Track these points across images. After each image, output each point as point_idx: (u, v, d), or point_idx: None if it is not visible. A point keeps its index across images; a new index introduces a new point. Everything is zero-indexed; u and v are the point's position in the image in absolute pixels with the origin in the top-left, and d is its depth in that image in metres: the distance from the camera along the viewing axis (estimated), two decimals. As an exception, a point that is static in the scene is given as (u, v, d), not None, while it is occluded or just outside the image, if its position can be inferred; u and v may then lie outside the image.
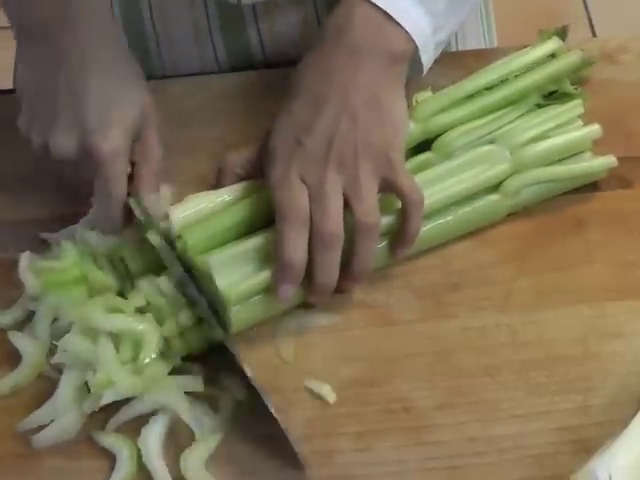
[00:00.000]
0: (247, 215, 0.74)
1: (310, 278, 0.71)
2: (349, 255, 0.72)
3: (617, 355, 0.72)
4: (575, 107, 0.82)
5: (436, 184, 0.76)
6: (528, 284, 0.77)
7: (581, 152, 0.81)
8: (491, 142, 0.79)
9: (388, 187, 0.73)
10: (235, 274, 0.71)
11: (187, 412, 0.69)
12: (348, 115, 0.73)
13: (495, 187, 0.78)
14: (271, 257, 0.71)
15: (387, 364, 0.73)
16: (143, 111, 0.76)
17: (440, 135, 0.79)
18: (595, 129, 0.81)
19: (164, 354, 0.71)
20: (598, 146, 0.84)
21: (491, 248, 0.79)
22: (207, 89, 0.90)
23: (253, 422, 0.70)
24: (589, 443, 0.67)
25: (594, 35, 2.10)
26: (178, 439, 0.69)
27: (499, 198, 0.78)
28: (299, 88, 0.75)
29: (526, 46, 0.86)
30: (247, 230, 0.74)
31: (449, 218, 0.77)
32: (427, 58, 0.78)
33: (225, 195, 0.76)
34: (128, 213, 0.75)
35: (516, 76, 0.83)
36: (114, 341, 0.70)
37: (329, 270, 0.71)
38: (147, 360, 0.70)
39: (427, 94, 0.83)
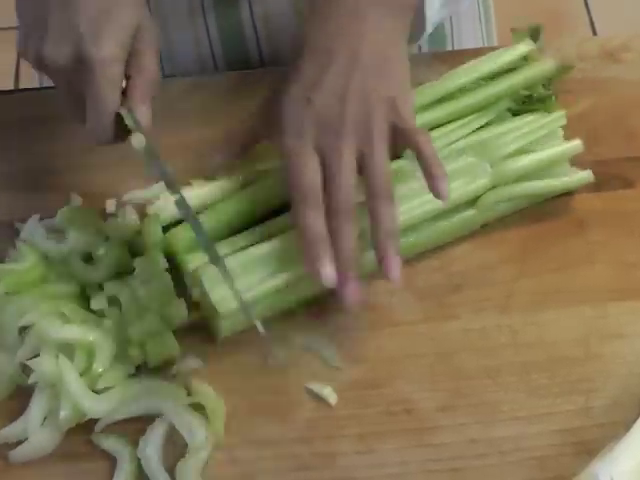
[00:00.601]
0: (242, 209, 0.75)
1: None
2: (371, 225, 0.70)
3: (619, 356, 0.72)
4: (558, 119, 0.80)
5: (413, 200, 0.75)
6: (529, 285, 0.77)
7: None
8: (467, 152, 0.78)
9: (397, 137, 0.72)
10: (247, 279, 0.71)
11: (180, 421, 0.69)
12: (358, 67, 0.72)
13: (472, 201, 0.77)
14: (266, 268, 0.71)
15: (388, 365, 0.73)
16: (138, 23, 0.74)
17: None
18: (576, 144, 0.79)
19: (121, 362, 0.71)
20: (599, 146, 0.84)
21: (492, 249, 0.79)
22: (205, 89, 0.90)
23: (252, 424, 0.70)
24: (591, 445, 0.67)
25: (595, 34, 2.10)
26: (177, 444, 0.69)
27: (474, 213, 0.77)
28: (307, 44, 0.74)
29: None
30: (242, 224, 0.75)
31: (423, 233, 0.76)
32: (432, 14, 0.77)
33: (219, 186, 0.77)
34: (120, 128, 0.73)
35: (490, 79, 0.81)
36: (68, 351, 0.70)
37: (347, 241, 0.69)
38: (100, 370, 0.69)
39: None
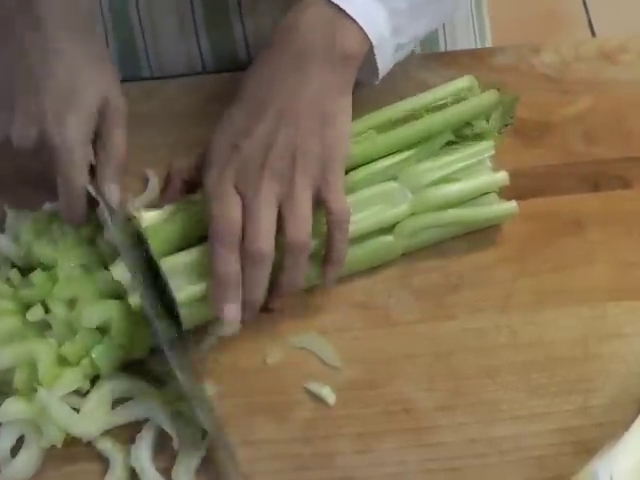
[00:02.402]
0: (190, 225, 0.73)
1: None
2: (277, 272, 0.70)
3: (618, 356, 0.72)
4: (486, 149, 0.78)
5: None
6: (528, 285, 0.77)
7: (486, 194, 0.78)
8: (390, 177, 0.76)
9: (319, 201, 0.71)
10: (189, 277, 0.70)
11: (169, 424, 0.69)
12: (289, 123, 0.70)
13: (390, 228, 0.75)
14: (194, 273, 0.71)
15: (387, 365, 0.73)
16: (105, 96, 0.74)
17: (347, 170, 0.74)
18: (502, 176, 0.77)
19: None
20: (597, 146, 0.84)
21: (490, 249, 0.79)
22: (196, 91, 0.89)
23: (251, 424, 0.70)
24: (590, 444, 0.67)
25: (593, 35, 2.10)
26: (170, 446, 0.69)
27: (392, 240, 0.76)
28: (243, 92, 0.73)
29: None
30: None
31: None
32: (383, 60, 0.75)
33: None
34: (90, 204, 0.74)
35: (427, 111, 0.78)
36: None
37: (255, 286, 0.69)
38: (40, 387, 0.68)
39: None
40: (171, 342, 0.70)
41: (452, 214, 0.77)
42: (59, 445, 0.68)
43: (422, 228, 0.76)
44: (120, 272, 0.72)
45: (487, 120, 0.80)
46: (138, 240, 0.74)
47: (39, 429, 0.68)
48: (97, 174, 0.74)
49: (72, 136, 0.71)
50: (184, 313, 0.71)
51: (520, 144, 0.85)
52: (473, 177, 0.77)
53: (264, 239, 0.68)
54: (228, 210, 0.69)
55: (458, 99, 0.79)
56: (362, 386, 0.72)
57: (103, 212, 0.74)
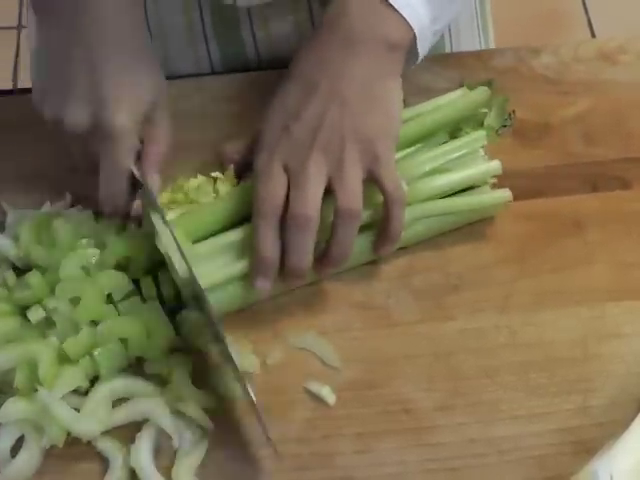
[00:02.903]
0: (233, 208, 0.75)
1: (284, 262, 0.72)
2: (328, 241, 0.72)
3: (617, 356, 0.73)
4: (478, 139, 0.79)
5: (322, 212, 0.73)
6: (527, 285, 0.77)
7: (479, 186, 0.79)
8: None
9: (372, 179, 0.73)
10: (213, 263, 0.72)
11: (169, 424, 0.69)
12: (338, 103, 0.72)
13: None
14: (246, 249, 0.73)
15: (386, 366, 0.73)
16: (155, 92, 0.76)
17: None
18: (495, 165, 0.78)
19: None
20: (596, 147, 0.84)
21: (490, 249, 0.79)
22: (202, 91, 0.90)
23: (251, 424, 0.70)
24: (589, 444, 0.67)
25: (593, 36, 2.10)
26: (170, 446, 0.69)
27: None
28: (293, 75, 0.75)
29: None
30: (234, 222, 0.75)
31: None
32: (424, 48, 0.78)
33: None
34: (132, 193, 0.76)
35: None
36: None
37: (301, 252, 0.71)
38: (41, 387, 0.68)
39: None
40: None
41: (444, 203, 0.77)
42: (60, 445, 0.68)
43: (415, 219, 0.76)
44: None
45: (481, 123, 0.82)
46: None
47: (40, 429, 0.68)
48: (142, 162, 0.75)
49: (125, 123, 0.72)
50: (217, 297, 0.72)
51: (519, 145, 0.85)
52: (466, 167, 0.78)
53: (310, 204, 0.70)
54: (274, 190, 0.71)
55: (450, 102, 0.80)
56: (362, 386, 0.72)
57: (142, 198, 0.75)
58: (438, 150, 0.78)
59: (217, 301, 0.72)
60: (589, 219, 0.81)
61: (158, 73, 0.77)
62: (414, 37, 0.76)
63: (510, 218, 0.80)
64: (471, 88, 0.83)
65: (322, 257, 0.73)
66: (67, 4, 0.74)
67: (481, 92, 0.82)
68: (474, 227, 0.80)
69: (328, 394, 0.71)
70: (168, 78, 0.90)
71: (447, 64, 0.90)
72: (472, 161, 0.78)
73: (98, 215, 0.78)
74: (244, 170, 0.79)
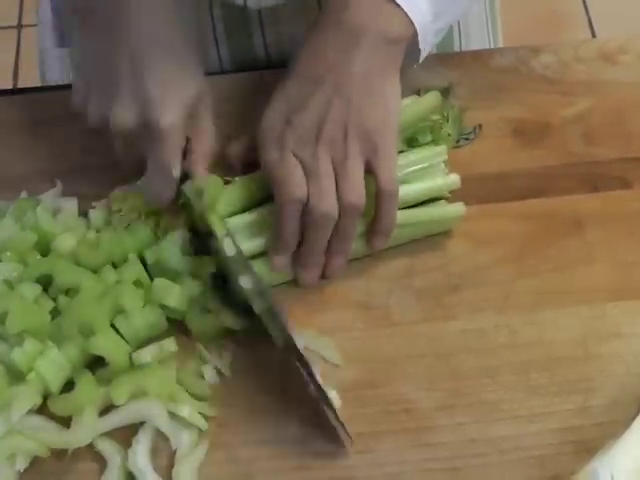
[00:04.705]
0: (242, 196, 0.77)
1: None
2: (332, 233, 0.74)
3: (617, 356, 0.73)
4: (439, 153, 0.78)
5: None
6: (527, 285, 0.77)
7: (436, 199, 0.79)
8: None
9: (369, 171, 0.74)
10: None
11: (166, 426, 0.69)
12: (341, 97, 0.73)
13: None
14: (265, 228, 0.75)
15: (387, 365, 0.73)
16: (200, 91, 0.76)
17: None
18: (454, 179, 0.78)
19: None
20: (597, 147, 0.84)
21: (490, 249, 0.79)
22: (213, 90, 0.90)
23: (252, 423, 0.70)
24: (590, 444, 0.67)
25: (594, 36, 2.10)
26: (168, 447, 0.69)
27: None
28: (295, 70, 0.75)
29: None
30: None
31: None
32: (425, 45, 0.78)
33: None
34: (178, 190, 0.76)
35: None
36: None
37: (317, 247, 0.74)
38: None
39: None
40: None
41: (401, 214, 0.76)
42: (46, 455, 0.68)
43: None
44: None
45: (439, 129, 0.81)
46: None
47: (11, 456, 0.67)
48: (188, 159, 0.76)
49: (172, 122, 0.73)
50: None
51: (520, 145, 0.85)
52: (425, 180, 0.78)
53: (329, 202, 0.72)
54: (292, 173, 0.72)
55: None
56: (362, 386, 0.72)
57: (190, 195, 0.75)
58: (399, 162, 0.77)
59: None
60: (589, 219, 0.81)
61: (201, 72, 0.77)
62: (415, 33, 0.76)
63: (510, 218, 0.80)
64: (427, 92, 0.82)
65: (325, 252, 0.75)
66: (110, 4, 0.74)
67: (432, 98, 0.81)
68: (474, 227, 0.80)
69: (335, 399, 0.70)
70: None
71: (447, 63, 0.90)
72: (432, 174, 0.78)
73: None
74: (248, 170, 0.79)
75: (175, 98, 0.74)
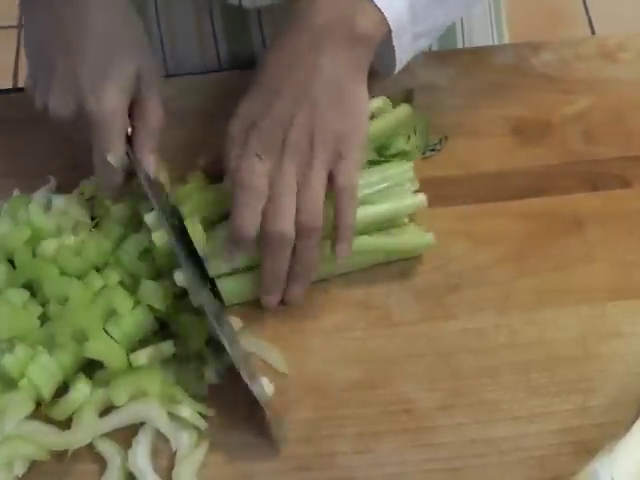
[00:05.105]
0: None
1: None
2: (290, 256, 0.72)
3: (617, 355, 0.72)
4: (405, 171, 0.76)
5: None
6: (527, 284, 0.77)
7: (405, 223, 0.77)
8: None
9: (331, 179, 0.71)
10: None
11: (166, 426, 0.69)
12: (307, 101, 0.71)
13: None
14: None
15: (387, 365, 0.73)
16: (140, 72, 0.75)
17: None
18: (420, 199, 0.76)
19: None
20: (597, 145, 0.84)
21: (490, 249, 0.79)
22: (207, 88, 0.90)
23: (252, 424, 0.70)
24: (590, 444, 0.67)
25: (593, 33, 2.10)
26: (168, 448, 0.69)
27: None
28: (260, 74, 0.74)
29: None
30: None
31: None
32: (401, 49, 0.75)
33: None
34: (127, 174, 0.76)
35: None
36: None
37: (273, 270, 0.72)
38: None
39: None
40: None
41: (368, 241, 0.75)
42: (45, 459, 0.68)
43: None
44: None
45: (408, 138, 0.80)
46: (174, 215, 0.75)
47: (8, 463, 0.67)
48: (134, 143, 0.75)
49: (110, 105, 0.72)
50: (225, 287, 0.73)
51: (520, 143, 0.85)
52: (391, 199, 0.76)
53: (284, 220, 0.70)
54: (254, 168, 0.70)
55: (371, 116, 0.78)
56: (362, 386, 0.72)
57: (140, 181, 0.75)
58: (363, 180, 0.75)
59: (227, 291, 0.73)
60: (589, 218, 0.80)
61: (144, 53, 0.76)
62: (389, 35, 0.73)
63: (510, 217, 0.80)
64: (393, 100, 0.80)
65: (288, 275, 0.73)
66: None
67: (402, 110, 0.79)
68: (474, 225, 0.80)
69: (266, 386, 0.70)
70: (176, 76, 0.91)
71: (446, 61, 0.90)
72: (398, 193, 0.76)
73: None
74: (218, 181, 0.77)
75: (110, 84, 0.73)
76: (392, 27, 0.73)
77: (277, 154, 0.70)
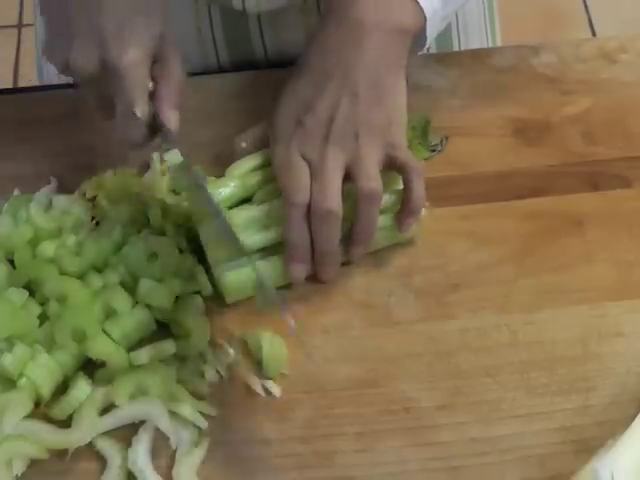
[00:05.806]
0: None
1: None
2: (352, 223, 0.74)
3: (617, 355, 0.72)
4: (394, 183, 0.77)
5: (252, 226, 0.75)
6: (528, 284, 0.77)
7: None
8: None
9: (389, 163, 0.74)
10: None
11: (166, 425, 0.69)
12: (349, 94, 0.73)
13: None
14: (268, 223, 0.75)
15: (387, 365, 0.73)
16: (162, 30, 0.74)
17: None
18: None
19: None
20: (597, 146, 0.84)
21: (490, 248, 0.79)
22: (208, 89, 0.90)
23: (252, 423, 0.70)
24: (590, 443, 0.67)
25: (594, 34, 2.10)
26: (168, 447, 0.69)
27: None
28: (304, 69, 0.76)
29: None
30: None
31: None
32: (432, 33, 0.78)
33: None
34: (149, 132, 0.75)
35: None
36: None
37: (328, 241, 0.73)
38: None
39: None
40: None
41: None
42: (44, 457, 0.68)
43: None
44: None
45: (411, 141, 0.81)
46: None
47: (7, 463, 0.67)
48: (156, 97, 0.74)
49: (134, 56, 0.71)
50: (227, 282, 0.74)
51: (520, 144, 0.85)
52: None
53: (331, 199, 0.72)
54: (298, 178, 0.73)
55: None
56: (362, 385, 0.72)
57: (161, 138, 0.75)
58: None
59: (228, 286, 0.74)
60: (590, 218, 0.80)
61: (162, 10, 0.75)
62: (424, 22, 0.76)
63: (511, 217, 0.80)
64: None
65: (348, 239, 0.75)
66: None
67: None
68: (474, 225, 0.80)
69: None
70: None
71: (446, 62, 0.90)
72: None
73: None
74: None
75: (133, 37, 0.72)
76: (428, 16, 0.76)
77: (321, 147, 0.73)
